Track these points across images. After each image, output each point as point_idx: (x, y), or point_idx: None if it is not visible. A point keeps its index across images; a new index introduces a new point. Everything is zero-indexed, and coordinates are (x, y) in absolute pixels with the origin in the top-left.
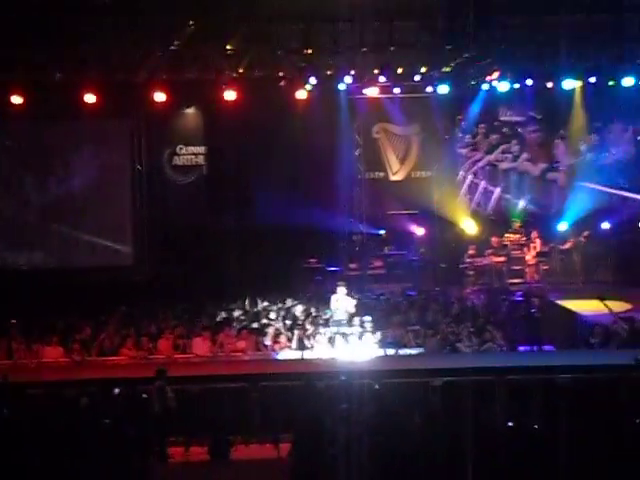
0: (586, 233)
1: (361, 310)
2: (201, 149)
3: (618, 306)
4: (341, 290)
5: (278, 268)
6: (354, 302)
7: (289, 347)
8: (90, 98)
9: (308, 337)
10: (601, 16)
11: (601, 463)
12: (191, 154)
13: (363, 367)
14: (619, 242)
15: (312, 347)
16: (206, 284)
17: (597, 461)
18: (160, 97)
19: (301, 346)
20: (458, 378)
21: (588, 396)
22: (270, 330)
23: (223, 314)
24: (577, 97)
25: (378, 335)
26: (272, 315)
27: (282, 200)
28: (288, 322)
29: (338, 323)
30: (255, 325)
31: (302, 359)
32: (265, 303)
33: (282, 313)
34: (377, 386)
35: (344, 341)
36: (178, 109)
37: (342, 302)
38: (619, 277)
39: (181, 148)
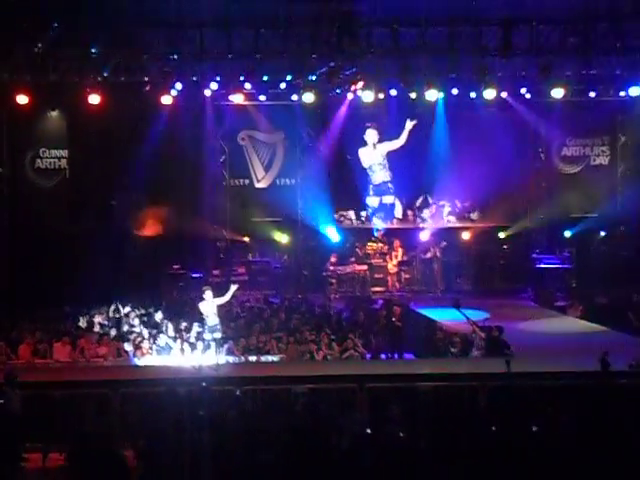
0: (443, 244)
1: (224, 317)
2: (64, 152)
3: (476, 315)
4: (208, 295)
5: (141, 274)
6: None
7: (150, 353)
8: None
9: (170, 343)
10: (462, 28)
11: (459, 469)
12: (54, 157)
13: (224, 374)
14: (478, 252)
15: (174, 353)
16: (68, 289)
17: (456, 467)
18: (23, 99)
19: (162, 352)
20: (320, 385)
21: (448, 403)
22: (132, 336)
23: (84, 320)
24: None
25: (240, 342)
26: (134, 321)
27: (145, 206)
28: (150, 328)
29: (210, 329)
30: (117, 331)
31: (163, 365)
32: (127, 309)
33: (144, 319)
34: (238, 392)
35: (209, 347)
36: (41, 112)
37: (210, 307)
38: (478, 286)
39: (44, 151)
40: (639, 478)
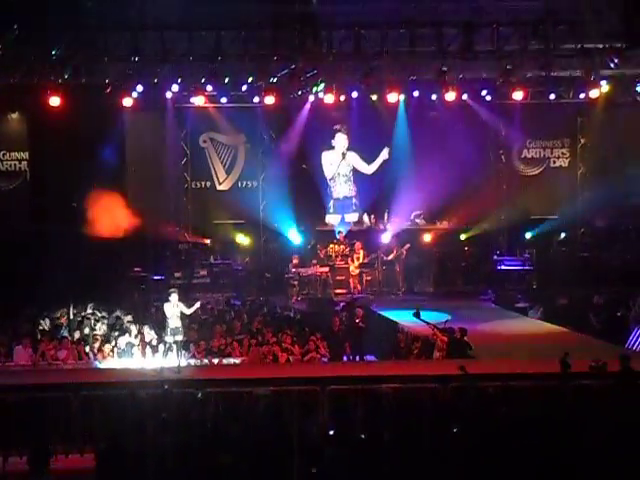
0: (407, 246)
1: (186, 319)
2: (24, 155)
3: (437, 317)
4: (174, 297)
5: (103, 277)
6: (187, 308)
7: (112, 356)
8: None
9: (131, 346)
10: (423, 30)
11: (423, 471)
12: (14, 160)
13: (186, 376)
14: (440, 254)
15: (135, 356)
16: (29, 292)
17: (419, 469)
18: None
19: (124, 355)
20: (282, 387)
21: (410, 405)
22: (93, 339)
23: (46, 323)
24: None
25: (201, 344)
26: (95, 324)
27: (106, 208)
28: (112, 331)
29: (172, 332)
30: (78, 334)
31: (125, 368)
32: (89, 312)
33: (106, 322)
34: (200, 395)
35: (170, 350)
36: (1, 114)
37: (175, 310)
38: (439, 288)
39: (4, 154)
40: (599, 478)
